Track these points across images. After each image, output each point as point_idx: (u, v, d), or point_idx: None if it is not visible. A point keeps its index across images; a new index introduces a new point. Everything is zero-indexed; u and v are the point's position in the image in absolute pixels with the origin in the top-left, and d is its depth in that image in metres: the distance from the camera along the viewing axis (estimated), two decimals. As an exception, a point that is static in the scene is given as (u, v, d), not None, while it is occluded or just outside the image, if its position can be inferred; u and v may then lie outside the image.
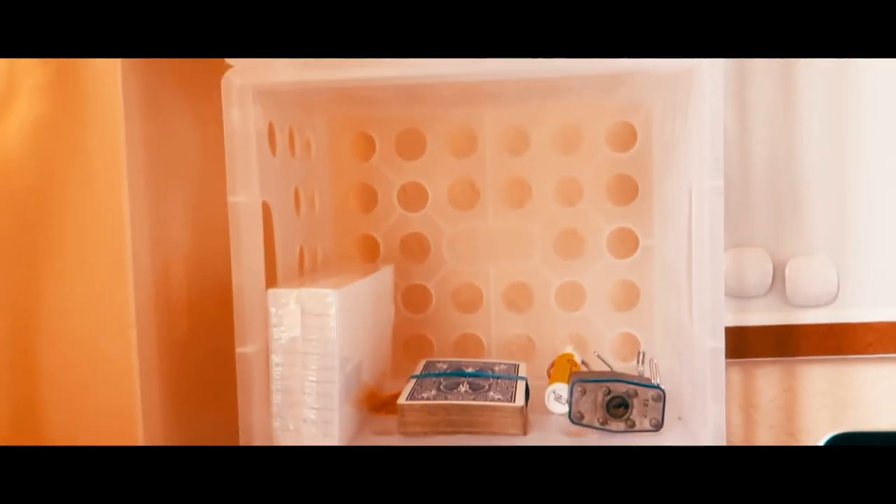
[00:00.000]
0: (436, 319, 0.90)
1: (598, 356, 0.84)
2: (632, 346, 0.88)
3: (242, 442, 0.66)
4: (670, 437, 0.69)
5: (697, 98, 0.63)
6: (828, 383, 0.93)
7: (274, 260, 0.73)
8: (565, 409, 0.73)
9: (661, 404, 0.70)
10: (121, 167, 0.65)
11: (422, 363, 0.82)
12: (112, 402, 0.66)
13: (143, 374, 0.66)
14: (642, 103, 0.84)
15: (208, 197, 0.75)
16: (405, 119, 0.87)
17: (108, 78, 0.65)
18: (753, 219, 0.90)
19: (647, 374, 0.75)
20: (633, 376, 0.72)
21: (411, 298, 0.90)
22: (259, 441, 0.66)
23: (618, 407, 0.70)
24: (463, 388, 0.74)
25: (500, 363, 0.82)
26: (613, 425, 0.70)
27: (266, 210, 0.69)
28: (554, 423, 0.73)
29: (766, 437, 0.93)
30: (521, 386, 0.74)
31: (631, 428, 0.70)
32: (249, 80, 0.65)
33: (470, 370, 0.79)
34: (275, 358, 0.67)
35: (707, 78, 0.61)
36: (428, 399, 0.71)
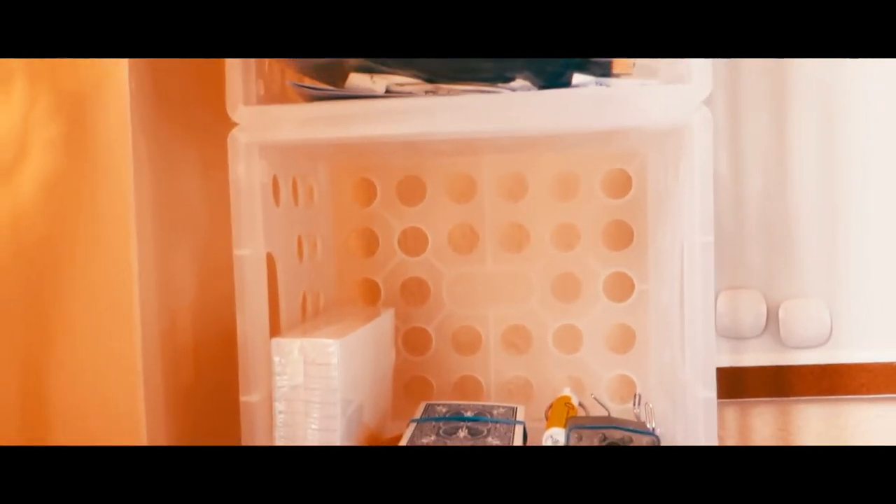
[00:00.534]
0: (436, 361, 0.92)
1: (594, 399, 0.86)
2: (628, 388, 0.90)
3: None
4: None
5: (688, 154, 0.65)
6: (822, 423, 0.94)
7: (277, 307, 0.75)
8: (562, 454, 0.74)
9: (656, 450, 0.71)
10: (129, 219, 0.67)
11: (422, 406, 0.83)
12: (119, 450, 0.67)
13: (149, 421, 0.68)
14: (637, 151, 0.86)
15: (213, 246, 0.77)
16: (406, 166, 0.90)
17: (119, 132, 0.67)
18: (747, 261, 0.92)
19: (642, 417, 0.76)
20: (628, 422, 0.74)
21: (412, 341, 0.92)
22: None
23: (613, 453, 0.72)
24: (462, 434, 0.75)
25: (499, 406, 0.84)
26: (609, 471, 0.71)
27: (270, 261, 0.71)
28: (551, 467, 0.75)
29: (761, 477, 0.94)
30: (518, 431, 0.76)
31: (626, 474, 0.71)
32: (255, 137, 0.67)
33: (469, 414, 0.80)
34: (278, 406, 0.68)
35: (697, 136, 0.63)
36: (428, 445, 0.73)
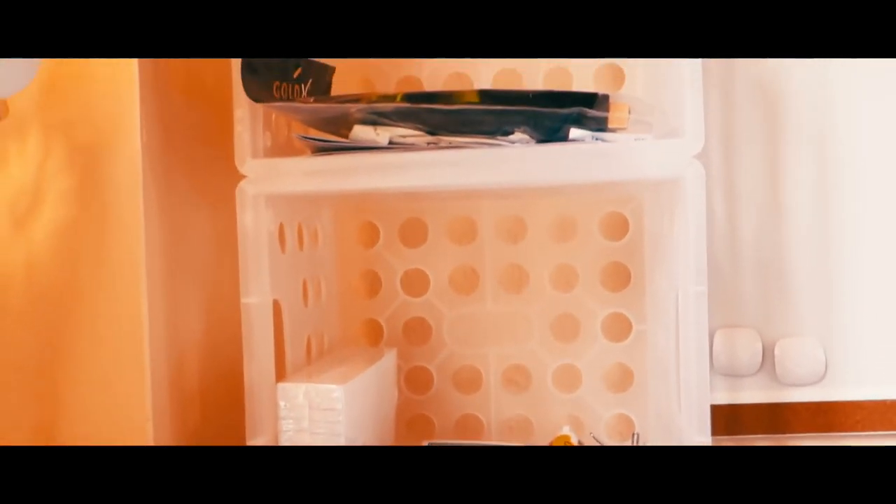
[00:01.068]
0: (437, 400, 0.93)
1: (593, 437, 0.87)
2: (627, 427, 0.92)
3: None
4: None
5: (681, 204, 0.67)
6: (818, 460, 0.95)
7: (283, 351, 0.76)
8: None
9: (653, 492, 0.73)
10: (140, 267, 0.70)
11: (424, 445, 0.85)
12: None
13: (157, 464, 0.69)
14: (633, 195, 0.88)
15: (220, 292, 0.79)
16: (408, 209, 0.92)
17: (130, 184, 0.70)
18: (743, 300, 0.94)
19: (640, 459, 0.78)
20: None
21: (414, 380, 0.94)
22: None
23: (611, 495, 0.73)
24: (463, 475, 0.77)
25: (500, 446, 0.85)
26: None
27: (276, 307, 0.73)
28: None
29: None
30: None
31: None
32: (263, 189, 0.69)
33: (470, 454, 0.82)
34: (283, 449, 0.70)
35: (690, 189, 0.66)
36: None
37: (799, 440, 0.95)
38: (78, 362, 0.70)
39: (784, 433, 0.94)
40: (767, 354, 0.93)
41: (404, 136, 0.70)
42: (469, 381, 0.94)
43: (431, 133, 0.70)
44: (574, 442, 0.85)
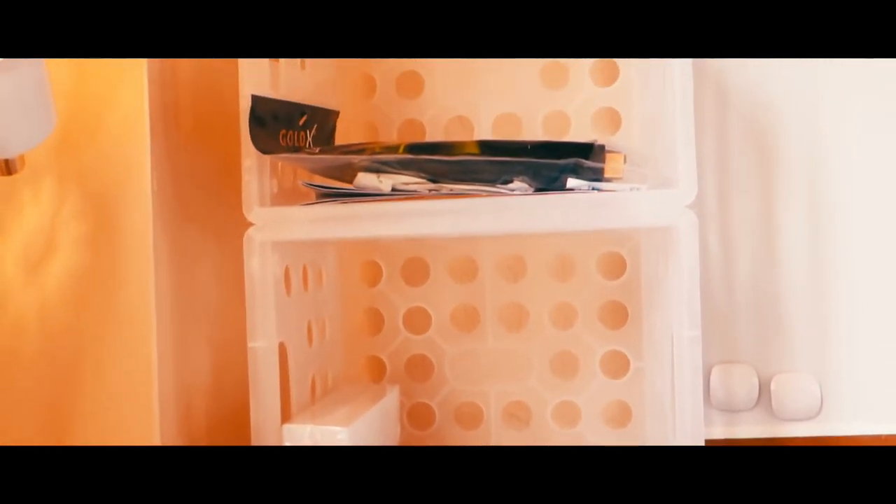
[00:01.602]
0: (439, 436, 0.95)
1: (592, 474, 0.89)
2: (625, 462, 0.93)
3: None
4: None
5: (675, 251, 0.69)
6: (815, 493, 0.97)
7: (288, 391, 0.78)
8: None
9: (651, 531, 0.74)
10: (150, 312, 0.72)
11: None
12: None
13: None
14: (630, 235, 0.91)
15: (227, 335, 0.81)
16: (410, 248, 0.94)
17: (141, 231, 0.72)
18: (739, 336, 0.95)
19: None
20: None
21: (415, 416, 0.95)
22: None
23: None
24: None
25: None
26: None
27: (282, 349, 0.75)
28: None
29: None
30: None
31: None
32: (269, 236, 0.71)
33: (471, 491, 0.83)
34: (289, 490, 0.72)
35: (683, 238, 0.68)
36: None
37: (795, 474, 0.96)
38: (89, 405, 0.72)
39: (781, 467, 0.95)
40: (764, 390, 0.95)
41: (407, 184, 0.73)
42: (470, 417, 0.95)
43: (433, 181, 0.72)
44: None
